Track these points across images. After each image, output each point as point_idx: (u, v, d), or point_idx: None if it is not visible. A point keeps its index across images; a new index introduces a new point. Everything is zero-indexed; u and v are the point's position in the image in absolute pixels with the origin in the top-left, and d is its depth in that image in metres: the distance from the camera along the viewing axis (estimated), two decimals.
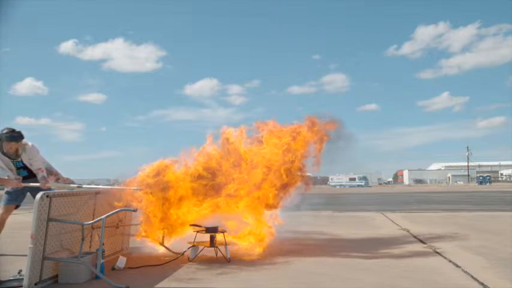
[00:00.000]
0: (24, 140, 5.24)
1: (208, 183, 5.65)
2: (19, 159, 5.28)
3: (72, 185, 5.50)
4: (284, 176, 5.83)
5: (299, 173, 6.06)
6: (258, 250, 5.79)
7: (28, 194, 5.48)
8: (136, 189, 5.27)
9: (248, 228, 5.97)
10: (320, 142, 6.16)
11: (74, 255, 4.45)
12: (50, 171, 5.71)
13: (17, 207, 5.50)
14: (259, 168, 5.79)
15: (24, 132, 5.20)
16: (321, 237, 7.65)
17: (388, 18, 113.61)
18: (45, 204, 4.12)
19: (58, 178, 5.86)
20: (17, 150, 5.20)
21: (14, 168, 5.29)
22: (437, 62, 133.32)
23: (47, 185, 5.21)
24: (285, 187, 5.94)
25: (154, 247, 5.91)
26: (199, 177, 5.63)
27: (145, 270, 4.87)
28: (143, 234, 5.56)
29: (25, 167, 5.36)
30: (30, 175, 5.38)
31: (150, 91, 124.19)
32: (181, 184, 5.52)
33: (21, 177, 5.32)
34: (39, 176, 5.29)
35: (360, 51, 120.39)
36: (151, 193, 5.27)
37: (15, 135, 5.11)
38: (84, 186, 5.49)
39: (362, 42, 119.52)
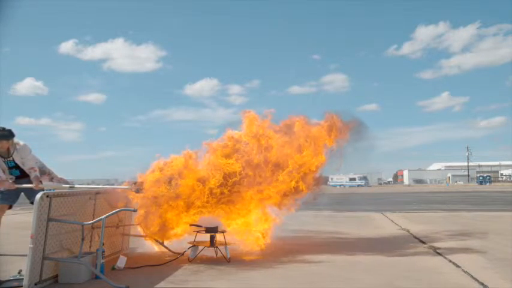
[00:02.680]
0: (15, 139, 5.17)
1: (223, 198, 5.56)
2: (11, 158, 5.18)
3: (64, 185, 5.43)
4: (302, 185, 5.77)
5: (316, 182, 6.04)
6: (259, 244, 5.80)
7: (22, 194, 5.39)
8: (130, 188, 5.21)
9: (253, 225, 5.95)
10: (343, 140, 6.11)
11: (74, 255, 4.46)
12: (43, 171, 5.60)
13: (10, 207, 5.40)
14: (280, 174, 5.64)
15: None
16: (320, 237, 7.64)
17: (388, 18, 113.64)
18: (45, 204, 4.12)
19: (52, 178, 5.77)
20: (8, 149, 5.14)
21: (6, 168, 5.18)
22: (437, 62, 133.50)
23: (40, 185, 5.09)
24: (298, 194, 5.93)
25: (154, 247, 5.91)
26: (216, 189, 5.49)
27: (145, 270, 4.86)
28: (141, 232, 5.57)
29: (17, 167, 5.24)
30: (23, 175, 5.27)
31: (150, 91, 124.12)
32: (192, 195, 5.43)
33: (14, 177, 5.24)
34: (32, 176, 5.18)
35: (360, 51, 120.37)
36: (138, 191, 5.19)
37: (5, 134, 5.02)
38: (76, 186, 5.45)
39: (362, 42, 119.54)
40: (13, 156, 5.19)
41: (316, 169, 5.91)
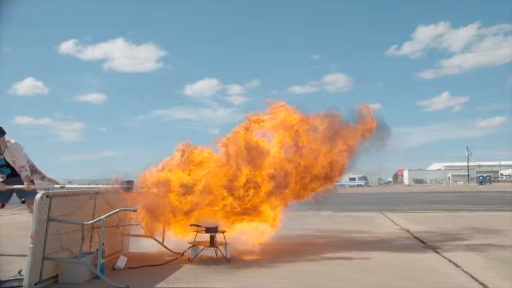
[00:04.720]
0: (6, 137, 5.08)
1: (235, 211, 5.46)
2: (1, 156, 5.09)
3: (55, 185, 5.38)
4: (317, 186, 5.72)
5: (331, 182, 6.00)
6: (259, 243, 5.79)
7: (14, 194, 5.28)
8: (121, 187, 5.18)
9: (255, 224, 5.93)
10: (370, 140, 6.09)
11: (74, 255, 4.46)
12: (34, 170, 5.50)
13: (2, 205, 5.26)
14: (299, 176, 5.51)
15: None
16: (321, 237, 7.64)
17: (388, 18, 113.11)
18: (45, 204, 4.12)
19: (43, 177, 5.69)
20: None
21: None
22: (438, 62, 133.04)
23: (32, 185, 4.98)
24: (313, 193, 5.90)
25: (154, 246, 5.91)
26: (227, 207, 5.32)
27: (145, 270, 4.87)
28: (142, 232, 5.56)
29: (8, 165, 5.15)
30: (13, 173, 5.16)
31: (150, 91, 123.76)
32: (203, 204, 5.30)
33: (5, 176, 5.15)
34: (22, 175, 5.03)
35: (360, 51, 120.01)
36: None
37: None
38: (67, 186, 5.42)
39: (362, 42, 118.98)
40: (4, 154, 5.09)
41: (346, 168, 5.83)
